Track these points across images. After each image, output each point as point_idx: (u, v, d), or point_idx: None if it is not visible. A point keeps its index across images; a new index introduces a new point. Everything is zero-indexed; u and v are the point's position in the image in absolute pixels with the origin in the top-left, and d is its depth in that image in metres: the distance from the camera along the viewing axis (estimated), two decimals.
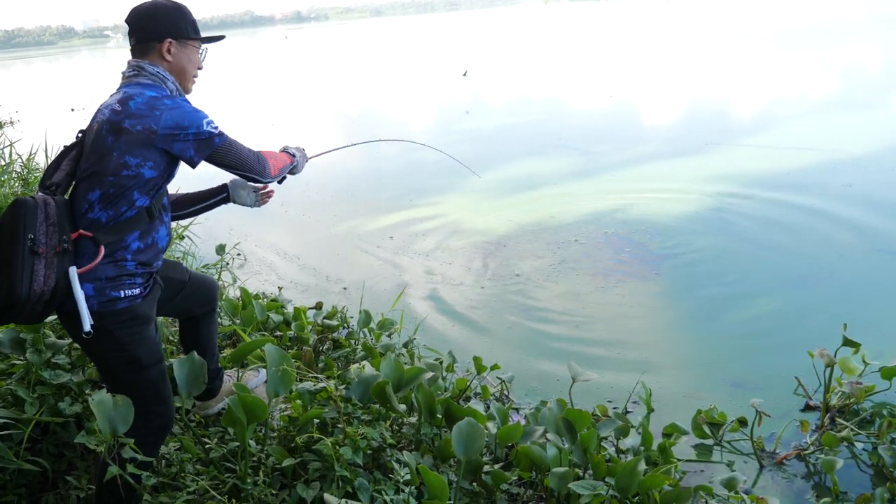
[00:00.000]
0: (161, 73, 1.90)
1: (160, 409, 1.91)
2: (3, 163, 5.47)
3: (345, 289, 4.84)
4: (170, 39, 1.91)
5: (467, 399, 3.08)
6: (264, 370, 2.66)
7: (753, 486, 2.58)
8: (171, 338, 3.08)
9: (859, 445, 2.72)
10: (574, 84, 15.33)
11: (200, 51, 2.02)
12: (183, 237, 5.08)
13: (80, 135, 1.90)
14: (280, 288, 4.61)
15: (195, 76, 2.02)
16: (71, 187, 1.86)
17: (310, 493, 1.88)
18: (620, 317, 4.08)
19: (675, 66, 16.87)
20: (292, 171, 2.25)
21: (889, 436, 2.65)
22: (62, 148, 1.90)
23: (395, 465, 2.06)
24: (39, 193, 1.78)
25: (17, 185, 5.20)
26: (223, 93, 18.43)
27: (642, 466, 2.01)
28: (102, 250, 1.76)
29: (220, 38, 2.14)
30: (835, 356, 2.85)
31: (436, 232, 5.90)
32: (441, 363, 3.09)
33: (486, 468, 2.18)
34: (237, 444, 2.08)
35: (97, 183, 1.79)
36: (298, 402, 2.24)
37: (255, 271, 5.28)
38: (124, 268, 1.81)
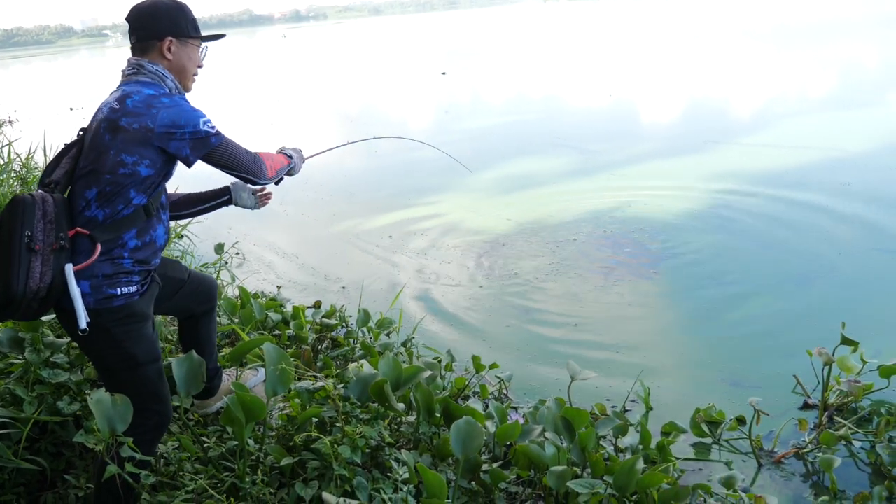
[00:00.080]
0: (160, 72, 1.90)
1: (157, 408, 1.91)
2: (1, 162, 5.47)
3: (343, 288, 4.84)
4: (170, 38, 1.91)
5: (466, 398, 3.08)
6: (263, 369, 2.67)
7: (752, 485, 2.58)
8: (169, 337, 3.08)
9: (857, 444, 2.72)
10: (573, 83, 15.32)
11: (201, 49, 2.02)
12: (181, 236, 5.08)
13: (81, 133, 1.90)
14: (279, 287, 4.61)
15: (195, 74, 2.03)
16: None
17: (308, 491, 1.88)
18: (619, 315, 4.09)
19: (673, 64, 16.87)
20: (290, 173, 2.25)
21: (887, 434, 2.65)
22: (63, 146, 1.90)
23: (394, 464, 2.06)
24: (38, 191, 1.79)
25: (15, 183, 5.20)
26: (222, 92, 18.42)
27: (640, 465, 2.01)
28: (99, 248, 1.76)
29: (221, 36, 2.14)
30: (833, 355, 2.85)
31: (434, 231, 5.90)
32: (440, 362, 3.09)
33: (485, 467, 2.18)
34: (236, 443, 2.08)
35: (94, 181, 1.79)
36: (297, 401, 2.24)
37: (253, 270, 5.28)
38: (121, 265, 1.82)
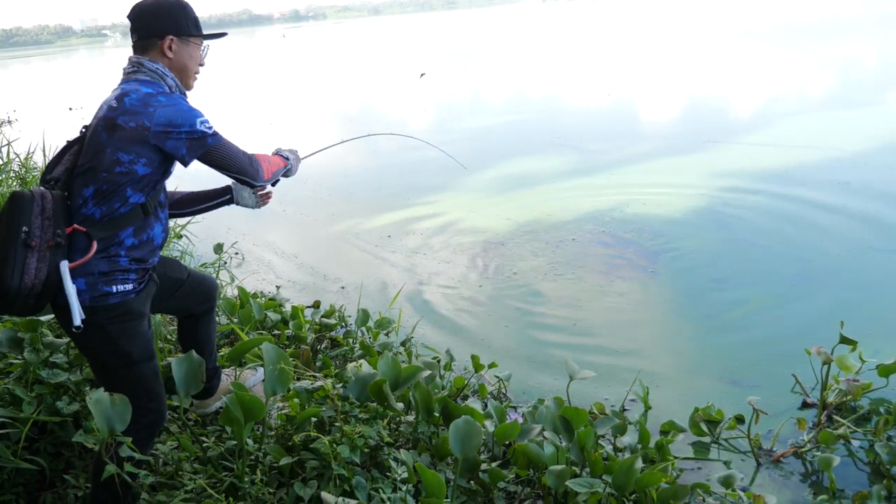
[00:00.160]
0: (160, 70, 1.90)
1: (151, 406, 1.91)
2: (0, 162, 5.46)
3: (342, 288, 4.84)
4: (171, 36, 1.91)
5: (465, 397, 3.08)
6: (262, 369, 2.67)
7: (751, 484, 2.58)
8: (168, 336, 3.08)
9: (856, 443, 2.72)
10: (572, 82, 15.32)
11: (202, 48, 2.02)
12: (180, 236, 5.08)
13: (83, 130, 1.90)
14: (278, 287, 4.61)
15: (197, 73, 2.03)
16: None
17: (307, 491, 1.88)
18: (618, 315, 4.09)
19: (672, 64, 16.87)
20: (286, 174, 2.25)
21: (886, 433, 2.65)
22: (65, 142, 1.91)
23: (393, 464, 2.06)
24: (38, 187, 1.80)
25: (14, 183, 5.20)
26: (221, 92, 18.41)
27: (639, 464, 2.02)
28: (95, 245, 1.76)
29: (222, 34, 2.14)
30: (832, 354, 2.86)
31: (434, 231, 5.90)
32: (439, 362, 3.09)
33: (484, 466, 2.18)
34: (235, 442, 2.08)
35: (92, 179, 1.79)
36: (296, 400, 2.24)
37: (252, 270, 5.28)
38: (117, 263, 1.82)
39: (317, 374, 2.90)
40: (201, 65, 2.03)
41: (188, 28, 1.95)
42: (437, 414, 2.34)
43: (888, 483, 2.37)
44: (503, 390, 3.24)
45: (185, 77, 1.98)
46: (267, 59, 35.66)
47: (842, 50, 16.65)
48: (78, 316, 1.72)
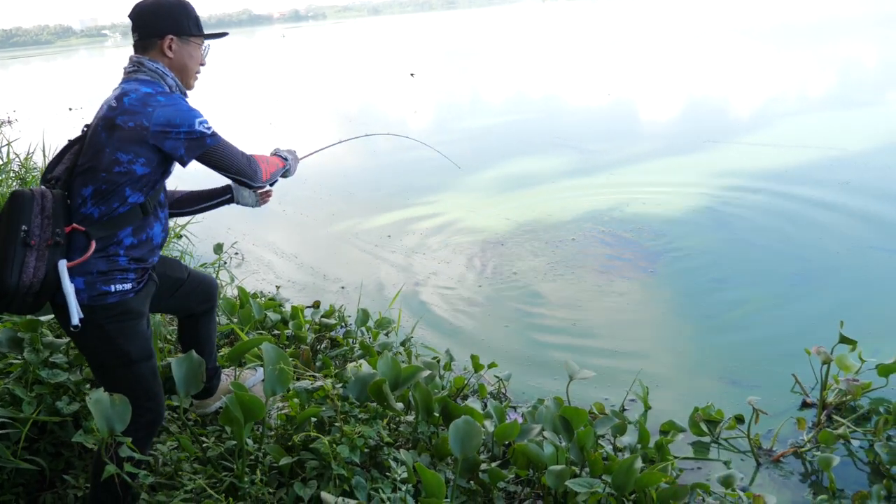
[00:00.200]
0: (160, 70, 1.90)
1: (150, 405, 1.91)
2: (0, 162, 5.46)
3: (342, 288, 4.84)
4: (171, 36, 1.91)
5: (465, 397, 3.08)
6: (262, 369, 2.67)
7: (750, 484, 2.58)
8: (168, 336, 3.08)
9: (856, 442, 2.72)
10: (572, 82, 15.32)
11: (203, 47, 2.01)
12: (180, 236, 5.08)
13: (85, 129, 1.90)
14: (278, 287, 4.61)
15: (197, 73, 2.03)
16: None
17: (307, 491, 1.88)
18: (617, 315, 4.09)
19: (672, 64, 16.87)
20: (284, 174, 2.25)
21: (885, 433, 2.65)
22: (67, 142, 1.91)
23: (392, 464, 2.06)
24: (39, 186, 1.80)
25: (14, 183, 5.20)
26: (221, 92, 18.40)
27: (639, 464, 2.02)
28: (94, 245, 1.76)
29: (223, 34, 2.13)
30: (831, 353, 2.86)
31: (433, 230, 5.90)
32: (438, 361, 3.09)
33: (484, 466, 2.18)
34: (234, 442, 2.08)
35: (91, 179, 1.79)
36: (296, 400, 2.24)
37: (252, 270, 5.28)
38: (116, 263, 1.82)
39: (316, 374, 2.90)
40: (202, 64, 2.03)
41: (188, 28, 1.95)
42: (436, 414, 2.34)
43: (888, 483, 2.37)
44: (503, 390, 3.24)
45: (186, 77, 1.98)
46: (267, 60, 35.65)
47: (842, 50, 16.65)
48: (76, 315, 1.72)
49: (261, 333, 3.29)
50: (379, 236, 5.87)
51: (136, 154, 1.78)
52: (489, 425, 2.42)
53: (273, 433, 2.23)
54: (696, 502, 2.24)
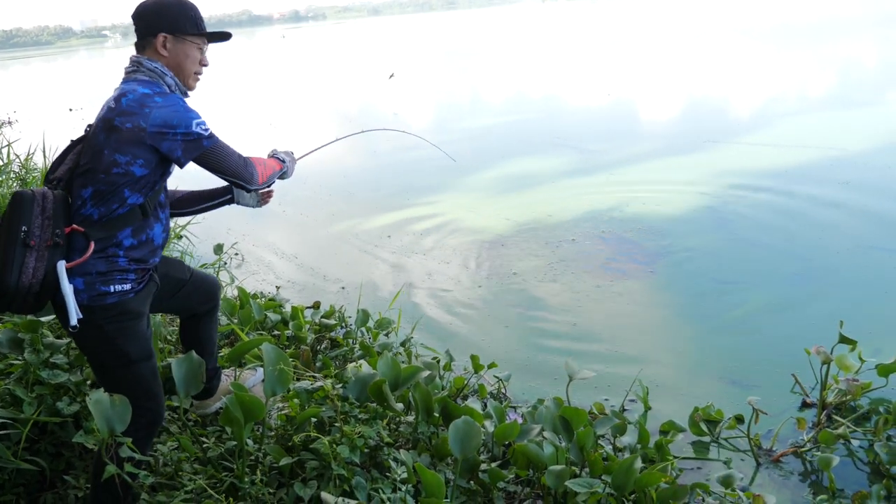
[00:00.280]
0: (159, 69, 1.89)
1: (149, 405, 1.91)
2: (1, 163, 5.47)
3: (343, 288, 4.84)
4: (164, 34, 1.90)
5: (464, 397, 3.08)
6: (262, 369, 2.67)
7: (750, 484, 2.59)
8: (168, 337, 3.08)
9: (856, 442, 2.72)
10: (572, 82, 15.33)
11: (202, 48, 1.98)
12: (180, 237, 5.08)
13: (88, 129, 1.90)
14: (278, 287, 4.61)
15: (198, 73, 2.00)
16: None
17: (307, 491, 1.88)
18: (617, 315, 4.09)
19: (672, 64, 16.87)
20: (282, 176, 2.24)
21: (885, 433, 2.66)
22: (69, 142, 1.91)
23: (392, 464, 2.07)
24: (40, 187, 1.81)
25: (14, 184, 5.20)
26: (221, 93, 18.41)
27: (639, 464, 2.02)
28: (93, 246, 1.77)
29: (225, 36, 2.08)
30: (831, 353, 2.86)
31: (433, 231, 5.90)
32: (438, 362, 3.09)
33: (483, 466, 2.19)
34: (235, 443, 2.08)
35: (91, 180, 1.80)
36: (296, 401, 2.24)
37: (252, 271, 5.28)
38: (116, 263, 1.82)
39: (317, 375, 2.90)
40: (204, 65, 2.00)
41: (184, 26, 1.92)
42: (436, 414, 2.34)
43: (888, 483, 2.37)
44: (503, 390, 3.24)
45: (182, 76, 1.95)
46: (267, 60, 35.66)
47: (842, 50, 16.65)
48: (74, 316, 1.72)
49: (261, 334, 3.29)
50: (379, 236, 5.87)
51: (134, 155, 1.78)
52: (489, 425, 2.43)
53: (273, 433, 2.23)
54: (695, 502, 2.24)
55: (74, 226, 1.78)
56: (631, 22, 38.82)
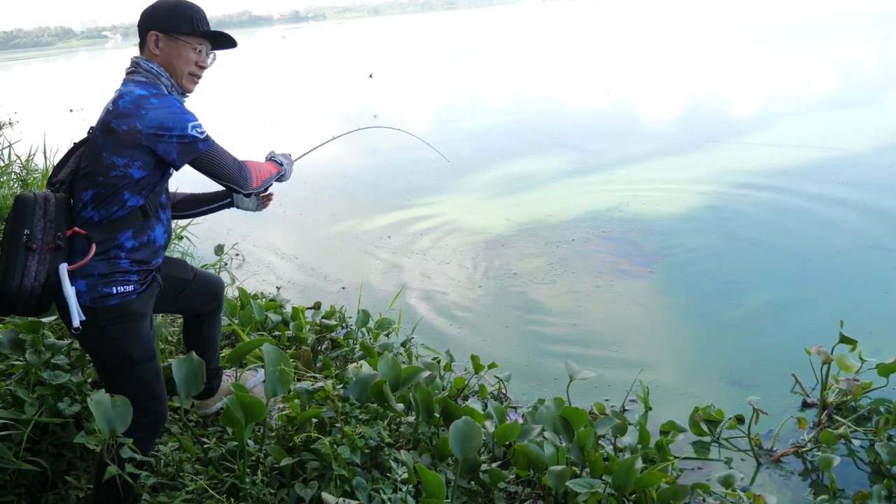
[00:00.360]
0: (155, 69, 1.88)
1: (152, 406, 1.92)
2: (2, 164, 5.48)
3: (343, 288, 4.85)
4: (155, 32, 1.88)
5: (465, 398, 3.09)
6: (262, 370, 2.67)
7: (751, 484, 2.59)
8: (169, 338, 3.08)
9: (857, 442, 2.72)
10: (572, 83, 15.33)
11: (197, 49, 1.94)
12: (181, 237, 5.09)
13: (90, 131, 1.90)
14: (278, 288, 4.61)
15: (194, 75, 1.96)
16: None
17: (308, 492, 1.88)
18: (617, 315, 4.09)
19: (672, 64, 16.87)
20: (280, 179, 2.24)
21: (886, 433, 2.65)
22: (72, 144, 1.91)
23: (393, 464, 2.07)
24: (42, 190, 1.82)
25: (16, 185, 5.21)
26: (222, 93, 18.42)
27: (639, 464, 2.02)
28: (94, 248, 1.77)
29: (228, 41, 2.02)
30: (832, 353, 2.86)
31: (434, 231, 5.90)
32: (439, 362, 3.09)
33: (484, 467, 2.19)
34: (235, 443, 2.08)
35: (91, 183, 1.80)
36: (296, 401, 2.24)
37: (253, 271, 5.29)
38: (118, 265, 1.83)
39: (317, 375, 2.91)
40: (202, 67, 1.97)
41: (177, 25, 1.89)
42: (437, 415, 2.34)
43: (889, 483, 2.37)
44: (503, 391, 3.24)
45: (176, 77, 1.92)
46: (267, 61, 35.67)
47: (842, 49, 16.65)
48: (77, 318, 1.73)
49: (261, 334, 3.30)
50: (379, 237, 5.88)
51: (131, 158, 1.77)
52: (490, 426, 2.43)
53: (274, 434, 2.24)
54: (696, 502, 2.24)
55: (76, 228, 1.78)
56: (631, 22, 38.82)
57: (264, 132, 11.98)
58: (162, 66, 1.90)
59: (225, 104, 15.96)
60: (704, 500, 2.24)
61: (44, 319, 2.37)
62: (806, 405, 3.04)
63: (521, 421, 2.42)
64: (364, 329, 3.51)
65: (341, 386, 2.33)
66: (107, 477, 1.69)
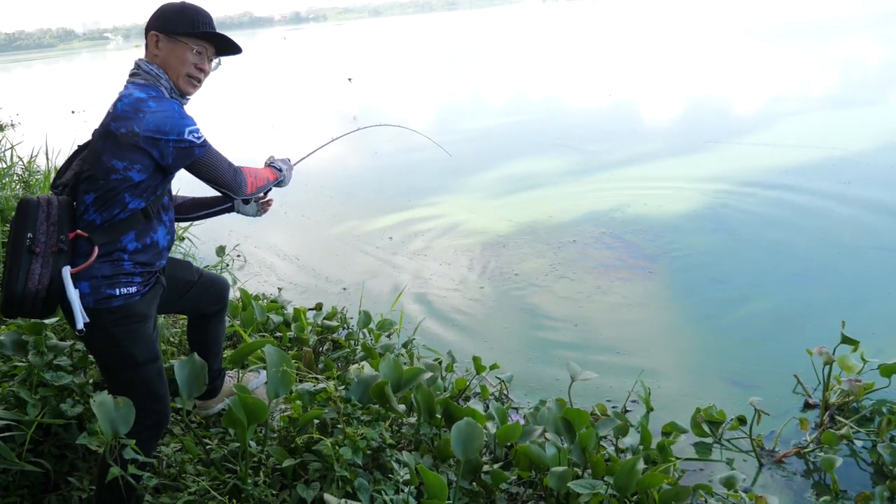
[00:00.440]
0: (154, 71, 1.87)
1: (155, 407, 1.92)
2: (4, 165, 5.49)
3: (344, 289, 4.85)
4: (155, 33, 1.89)
5: (466, 399, 3.09)
6: (264, 371, 2.68)
7: (753, 485, 2.58)
8: (171, 339, 3.09)
9: (859, 443, 2.72)
10: (573, 83, 15.33)
11: (195, 50, 1.91)
12: (183, 239, 5.09)
13: (94, 133, 1.91)
14: (280, 289, 4.62)
15: (192, 76, 1.93)
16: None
17: (310, 493, 1.88)
18: (619, 316, 4.09)
19: (673, 64, 16.87)
20: (279, 185, 2.24)
21: (888, 433, 2.65)
22: (77, 147, 1.92)
23: (395, 465, 2.07)
24: (45, 194, 1.82)
25: (18, 187, 5.22)
26: (223, 95, 18.44)
27: (641, 465, 2.02)
28: (96, 251, 1.78)
29: (232, 47, 2.00)
30: (833, 354, 2.85)
31: (435, 232, 5.91)
32: (440, 363, 3.10)
33: (486, 468, 2.19)
34: (238, 444, 2.09)
35: (92, 186, 1.80)
36: (298, 402, 2.25)
37: (254, 272, 5.29)
38: (121, 267, 1.83)
39: (319, 377, 2.91)
40: (203, 71, 1.95)
41: (177, 26, 1.88)
42: (438, 416, 2.34)
43: (891, 484, 2.37)
44: (505, 392, 3.24)
45: (174, 78, 1.90)
46: (268, 62, 35.71)
47: (843, 49, 16.63)
48: (80, 319, 1.74)
49: (263, 335, 3.30)
50: (380, 238, 5.88)
51: (130, 161, 1.77)
52: (491, 427, 2.43)
53: (276, 435, 2.24)
54: (698, 503, 2.24)
55: (78, 231, 1.79)
56: (632, 22, 38.81)
57: (265, 133, 11.99)
58: (161, 68, 1.89)
59: (226, 105, 15.97)
60: (706, 502, 2.24)
61: (46, 321, 2.37)
62: (808, 406, 3.03)
63: (522, 422, 2.42)
64: (365, 330, 3.51)
65: (343, 387, 2.34)
66: (109, 478, 1.69)
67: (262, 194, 2.23)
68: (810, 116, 9.14)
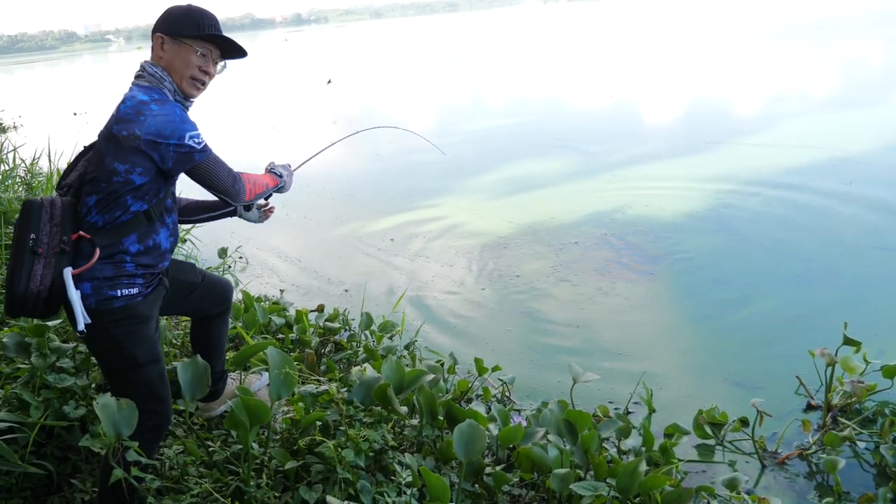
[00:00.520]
0: (158, 74, 1.88)
1: (157, 408, 1.92)
2: (6, 167, 5.50)
3: (346, 291, 4.85)
4: (160, 35, 1.89)
5: (469, 401, 3.09)
6: (267, 373, 2.68)
7: (755, 487, 2.58)
8: (174, 341, 3.09)
9: (862, 445, 2.72)
10: (574, 84, 15.33)
11: (200, 52, 1.91)
12: (185, 240, 5.10)
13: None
14: (282, 291, 4.62)
15: (196, 79, 1.93)
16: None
17: (312, 495, 1.89)
18: (621, 317, 4.09)
19: (674, 65, 16.86)
20: (279, 190, 2.23)
21: (891, 435, 2.64)
22: (82, 148, 1.92)
23: (397, 467, 2.07)
24: (49, 195, 1.83)
25: (20, 189, 5.23)
26: (225, 96, 18.47)
27: (643, 467, 2.02)
28: (98, 252, 1.78)
29: (238, 50, 2.00)
30: (836, 355, 2.85)
31: (436, 234, 5.91)
32: (442, 365, 3.10)
33: (488, 470, 2.19)
34: (240, 446, 2.09)
35: (95, 188, 1.81)
36: (301, 404, 2.25)
37: (256, 274, 5.30)
38: (123, 269, 1.83)
39: (321, 378, 2.91)
40: (206, 73, 1.95)
41: (182, 28, 1.88)
42: (441, 417, 2.34)
43: (894, 485, 2.36)
44: (507, 393, 3.24)
45: (178, 80, 1.90)
46: (269, 64, 35.75)
47: (844, 50, 16.62)
48: (81, 321, 1.74)
49: (265, 337, 3.30)
50: (382, 239, 5.88)
51: (132, 164, 1.78)
52: (493, 429, 2.43)
53: (278, 437, 2.24)
54: None
55: (81, 232, 1.79)
56: (633, 23, 38.81)
57: (267, 135, 12.00)
58: (166, 70, 1.90)
59: (228, 107, 16.00)
60: (709, 503, 2.24)
61: (49, 323, 2.37)
62: (810, 407, 3.03)
63: (524, 424, 2.42)
64: (367, 332, 3.51)
65: (345, 389, 2.34)
66: (112, 480, 1.69)
67: (262, 200, 2.23)
68: (811, 117, 9.14)
